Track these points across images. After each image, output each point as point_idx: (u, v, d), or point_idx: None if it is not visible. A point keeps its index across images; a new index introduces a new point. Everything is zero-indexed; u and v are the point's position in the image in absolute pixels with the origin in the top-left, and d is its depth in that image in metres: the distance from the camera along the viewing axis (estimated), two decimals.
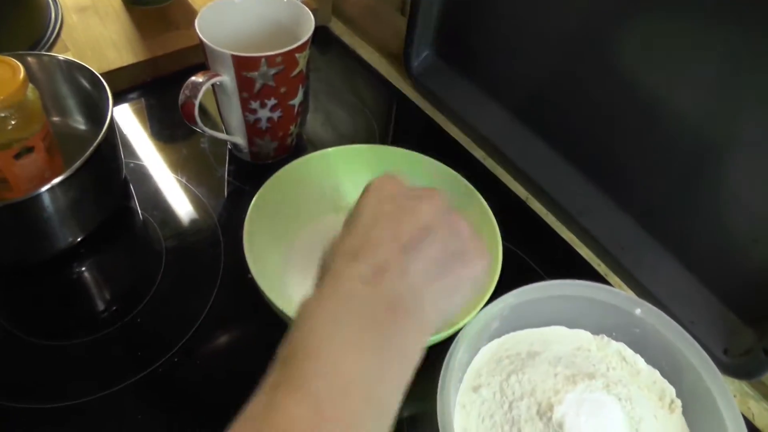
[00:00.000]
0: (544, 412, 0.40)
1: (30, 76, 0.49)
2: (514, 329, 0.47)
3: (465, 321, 0.42)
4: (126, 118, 0.66)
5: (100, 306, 0.52)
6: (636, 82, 0.50)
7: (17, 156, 0.48)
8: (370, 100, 0.73)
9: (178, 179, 0.61)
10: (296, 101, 0.58)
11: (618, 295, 0.46)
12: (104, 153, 0.51)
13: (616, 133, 0.54)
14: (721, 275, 0.51)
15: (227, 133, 0.60)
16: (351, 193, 0.53)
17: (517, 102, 0.64)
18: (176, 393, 0.46)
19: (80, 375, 0.46)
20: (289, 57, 0.52)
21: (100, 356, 0.48)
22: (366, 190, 0.36)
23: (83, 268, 0.53)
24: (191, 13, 0.74)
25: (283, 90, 0.55)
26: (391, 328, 0.30)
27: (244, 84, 0.53)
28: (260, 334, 0.48)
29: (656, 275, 0.54)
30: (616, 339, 0.46)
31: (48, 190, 0.46)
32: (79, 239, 0.52)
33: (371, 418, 0.28)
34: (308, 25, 0.55)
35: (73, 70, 0.56)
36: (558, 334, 0.47)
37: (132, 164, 0.61)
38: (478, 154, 0.66)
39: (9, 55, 0.49)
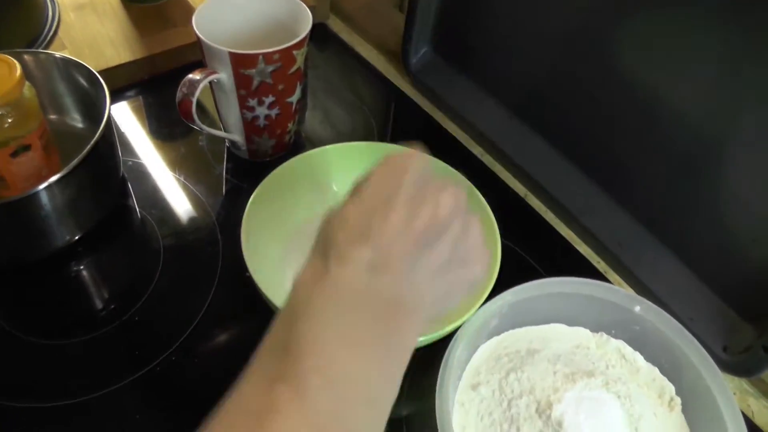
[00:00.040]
0: (543, 410, 0.40)
1: (27, 73, 0.49)
2: (513, 327, 0.47)
3: (464, 319, 0.42)
4: (124, 116, 0.66)
5: (98, 305, 0.52)
6: (635, 79, 0.50)
7: (14, 154, 0.48)
8: (368, 98, 0.73)
9: (176, 177, 0.60)
10: (294, 99, 0.57)
11: (617, 292, 0.45)
12: (102, 151, 0.51)
13: (615, 131, 0.54)
14: (720, 273, 0.51)
15: (225, 130, 0.60)
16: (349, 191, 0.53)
17: (516, 99, 0.64)
18: (174, 392, 0.46)
19: (78, 374, 0.46)
20: (286, 54, 0.52)
21: (98, 355, 0.47)
22: (386, 163, 0.32)
23: (81, 267, 0.53)
24: (189, 11, 0.73)
25: (280, 87, 0.55)
26: (390, 327, 0.29)
27: (241, 81, 0.53)
28: (258, 333, 0.47)
29: (656, 273, 0.54)
30: (616, 337, 0.46)
31: (45, 188, 0.46)
32: (76, 238, 0.52)
33: (368, 418, 0.28)
34: (306, 22, 0.54)
35: (70, 67, 0.56)
36: (557, 331, 0.47)
37: (130, 162, 0.61)
38: (477, 150, 0.66)
39: (5, 53, 0.48)
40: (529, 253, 0.56)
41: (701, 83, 0.46)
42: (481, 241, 0.35)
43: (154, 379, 0.46)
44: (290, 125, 0.60)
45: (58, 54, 0.56)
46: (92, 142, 0.48)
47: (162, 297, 0.51)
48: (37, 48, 0.67)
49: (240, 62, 0.51)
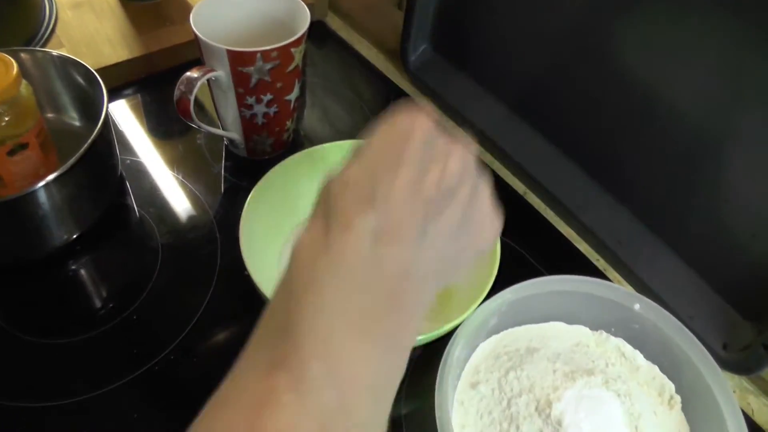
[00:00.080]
0: (543, 409, 0.40)
1: (23, 72, 0.48)
2: (513, 325, 0.46)
3: (463, 317, 0.42)
4: (122, 114, 0.66)
5: (96, 304, 0.51)
6: (634, 76, 0.50)
7: (11, 153, 0.48)
8: (367, 95, 0.73)
9: (174, 176, 0.60)
10: (292, 96, 0.57)
11: (617, 290, 0.45)
12: (99, 149, 0.51)
13: (615, 128, 0.54)
14: (720, 270, 0.51)
15: (223, 128, 0.60)
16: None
17: (515, 96, 0.63)
18: (173, 391, 0.46)
19: (76, 373, 0.46)
20: (284, 52, 0.52)
21: (96, 354, 0.47)
22: (391, 123, 0.30)
23: (79, 266, 0.53)
24: (186, 9, 0.73)
25: (279, 85, 0.54)
26: (396, 305, 0.27)
27: (239, 79, 0.53)
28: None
29: (655, 270, 0.54)
30: (615, 335, 0.46)
31: (42, 187, 0.45)
32: (74, 236, 0.52)
33: (372, 407, 0.26)
34: (304, 19, 0.54)
35: (67, 65, 0.56)
36: (557, 330, 0.47)
37: (128, 161, 0.61)
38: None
39: (2, 51, 0.48)
40: (529, 251, 0.56)
41: (700, 81, 0.46)
42: (491, 207, 0.32)
43: (153, 378, 0.46)
44: (289, 123, 0.60)
45: (55, 52, 0.56)
46: (90, 140, 0.48)
47: (160, 296, 0.51)
48: (34, 46, 0.67)
49: (238, 60, 0.51)
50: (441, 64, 0.70)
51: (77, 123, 0.60)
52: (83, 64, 0.54)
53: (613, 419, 0.40)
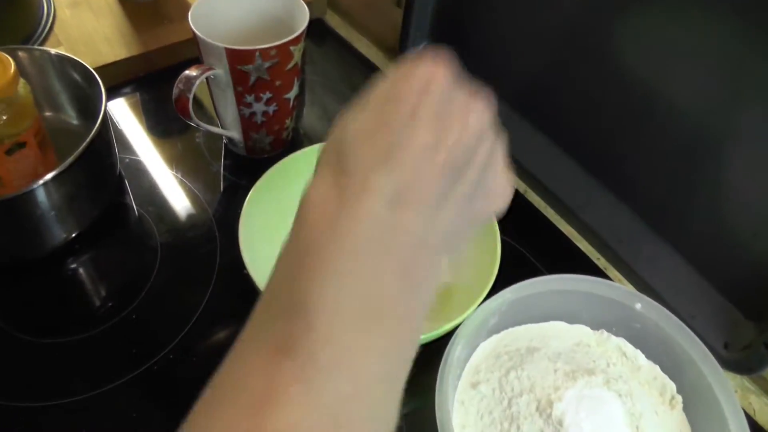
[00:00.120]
0: (544, 409, 0.40)
1: (21, 70, 0.48)
2: (513, 325, 0.46)
3: (463, 317, 0.42)
4: (120, 113, 0.66)
5: (95, 303, 0.51)
6: (635, 74, 0.50)
7: (8, 152, 0.48)
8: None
9: (173, 174, 0.60)
10: (292, 95, 0.57)
11: (618, 289, 0.45)
12: (98, 148, 0.51)
13: (615, 126, 0.54)
14: (721, 268, 0.51)
15: (222, 127, 0.59)
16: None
17: (515, 94, 0.63)
18: (172, 390, 0.45)
19: (75, 373, 0.46)
20: (283, 50, 0.52)
21: (95, 353, 0.47)
22: (410, 71, 0.27)
23: (78, 265, 0.53)
24: (185, 7, 0.73)
25: (278, 83, 0.54)
26: (412, 280, 0.25)
27: (238, 77, 0.52)
28: None
29: (656, 269, 0.54)
30: (616, 334, 0.46)
31: (41, 186, 0.45)
32: (73, 236, 0.52)
33: (386, 398, 0.24)
34: (303, 17, 0.54)
35: (65, 64, 0.55)
36: (557, 329, 0.46)
37: (127, 159, 0.61)
38: None
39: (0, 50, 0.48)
40: (529, 250, 0.56)
41: (700, 79, 0.46)
42: (505, 169, 0.30)
43: (152, 378, 0.46)
44: (288, 122, 0.60)
45: (53, 50, 0.56)
46: (88, 139, 0.48)
47: (159, 295, 0.51)
48: (32, 45, 0.66)
49: (236, 58, 0.51)
50: None
51: (75, 122, 0.60)
52: (81, 63, 0.54)
53: (614, 419, 0.40)
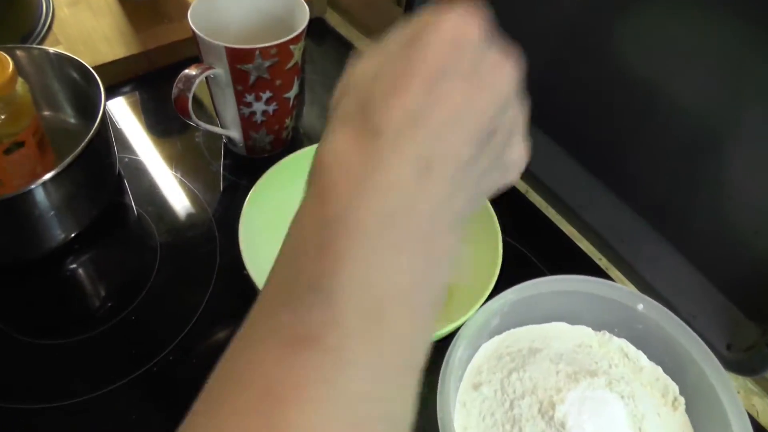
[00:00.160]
0: (546, 411, 0.39)
1: (19, 69, 0.48)
2: (515, 326, 0.46)
3: (465, 318, 0.41)
4: (120, 112, 0.65)
5: (94, 304, 0.51)
6: (636, 73, 0.50)
7: (7, 151, 0.47)
8: None
9: (173, 174, 0.60)
10: (292, 94, 0.57)
11: (620, 290, 0.45)
12: (97, 148, 0.50)
13: (616, 125, 0.54)
14: (723, 268, 0.50)
15: (222, 126, 0.59)
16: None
17: None
18: (172, 392, 0.45)
19: (74, 374, 0.46)
20: (283, 49, 0.51)
21: (95, 355, 0.47)
22: (439, 22, 0.23)
23: (77, 266, 0.53)
24: (184, 5, 0.72)
25: (278, 82, 0.54)
26: (434, 259, 0.23)
27: (238, 77, 0.52)
28: None
29: (658, 269, 0.53)
30: (618, 335, 0.46)
31: (39, 186, 0.45)
32: (72, 236, 0.51)
33: (408, 388, 0.23)
34: (303, 16, 0.54)
35: (63, 63, 0.55)
36: (559, 330, 0.46)
37: (126, 159, 0.60)
38: None
39: None
40: (530, 250, 0.56)
41: (701, 78, 0.45)
42: (525, 137, 0.28)
43: (152, 379, 0.45)
44: (288, 121, 0.59)
45: (51, 49, 0.55)
46: (87, 138, 0.47)
47: (159, 295, 0.50)
48: (30, 43, 0.66)
49: (236, 57, 0.50)
50: None
51: (74, 121, 0.59)
52: (80, 62, 0.54)
53: (617, 421, 0.40)
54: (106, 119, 0.51)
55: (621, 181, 0.56)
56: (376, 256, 0.21)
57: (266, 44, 0.50)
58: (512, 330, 0.46)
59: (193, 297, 0.50)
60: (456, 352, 0.40)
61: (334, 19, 0.80)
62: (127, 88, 0.68)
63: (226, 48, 0.50)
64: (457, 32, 0.23)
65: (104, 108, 0.50)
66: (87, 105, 0.53)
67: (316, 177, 0.22)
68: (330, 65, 0.75)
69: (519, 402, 0.41)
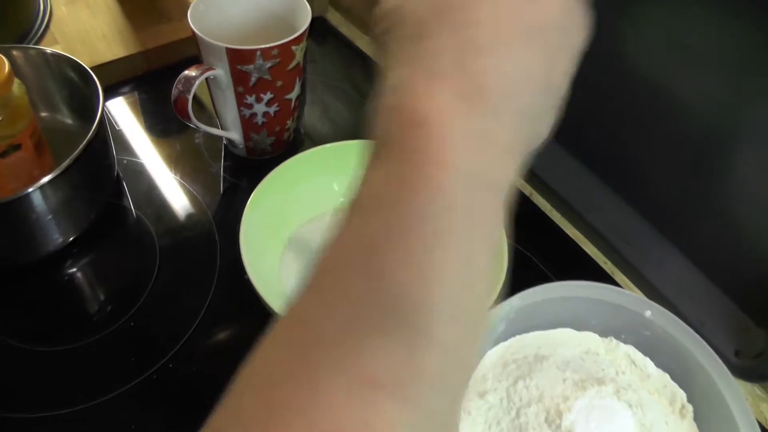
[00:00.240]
0: (553, 420, 0.39)
1: (16, 70, 0.47)
2: (521, 332, 0.45)
3: None
4: (118, 113, 0.65)
5: (93, 309, 0.50)
6: (642, 76, 0.49)
7: (3, 154, 0.47)
8: (368, 93, 0.71)
9: (172, 176, 0.59)
10: (293, 95, 0.56)
11: (627, 296, 0.44)
12: (95, 149, 0.50)
13: (622, 128, 0.53)
14: (731, 273, 0.50)
15: (222, 128, 0.58)
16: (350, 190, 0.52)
17: None
18: (172, 400, 0.45)
19: (73, 382, 0.45)
20: (285, 49, 0.51)
21: (93, 362, 0.46)
22: None
23: (75, 270, 0.52)
24: (184, 4, 0.72)
25: (279, 83, 0.53)
26: (490, 229, 0.20)
27: (239, 78, 0.51)
28: (260, 337, 0.47)
29: (664, 273, 0.53)
30: (625, 342, 0.45)
31: (36, 189, 0.44)
32: (70, 239, 0.51)
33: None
34: (305, 16, 0.53)
35: (61, 63, 0.54)
36: (565, 336, 0.46)
37: (125, 161, 0.60)
38: None
39: None
40: (535, 254, 0.55)
41: (709, 80, 0.45)
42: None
43: (151, 387, 0.45)
44: (289, 122, 0.59)
45: (48, 49, 0.55)
46: (85, 140, 0.47)
47: (158, 300, 0.50)
48: (27, 43, 0.65)
49: (237, 58, 0.50)
50: None
51: (72, 122, 0.58)
52: (78, 62, 0.53)
53: (625, 430, 0.39)
54: (105, 120, 0.51)
55: (626, 184, 0.55)
56: (461, 270, 0.17)
57: (268, 45, 0.49)
58: (518, 336, 0.45)
59: (193, 302, 0.49)
60: None
61: (335, 19, 0.80)
62: (125, 89, 0.67)
63: (227, 49, 0.49)
64: None
65: (102, 109, 0.49)
66: (85, 106, 0.53)
67: (403, 136, 0.18)
68: (331, 65, 0.74)
69: (525, 410, 0.40)
